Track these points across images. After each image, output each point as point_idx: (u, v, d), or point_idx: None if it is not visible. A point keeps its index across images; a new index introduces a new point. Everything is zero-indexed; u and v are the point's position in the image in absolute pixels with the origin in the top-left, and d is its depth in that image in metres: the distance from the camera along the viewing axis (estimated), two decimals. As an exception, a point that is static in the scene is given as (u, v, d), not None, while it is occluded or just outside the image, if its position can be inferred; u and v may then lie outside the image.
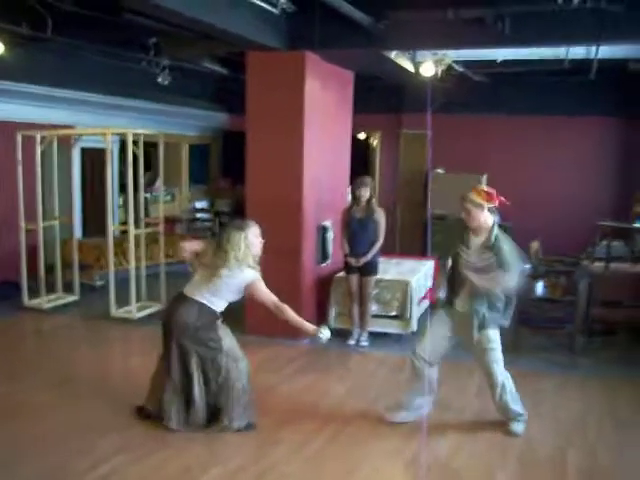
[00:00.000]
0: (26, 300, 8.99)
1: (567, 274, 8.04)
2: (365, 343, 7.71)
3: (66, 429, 5.24)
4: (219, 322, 5.27)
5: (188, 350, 5.11)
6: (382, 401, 5.90)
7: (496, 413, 5.48)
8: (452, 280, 5.43)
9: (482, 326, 5.21)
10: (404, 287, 7.76)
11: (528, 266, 7.82)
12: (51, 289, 9.25)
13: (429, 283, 8.85)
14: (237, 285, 5.13)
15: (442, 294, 5.48)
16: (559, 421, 5.62)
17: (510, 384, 5.35)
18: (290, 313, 5.19)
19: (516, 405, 5.35)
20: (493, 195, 5.23)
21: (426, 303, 8.73)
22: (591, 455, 5.00)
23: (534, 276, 7.86)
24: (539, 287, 7.74)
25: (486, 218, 5.19)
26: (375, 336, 7.80)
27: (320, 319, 8.05)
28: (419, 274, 8.27)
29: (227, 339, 5.27)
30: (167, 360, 5.21)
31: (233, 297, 5.23)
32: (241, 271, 5.08)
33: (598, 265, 7.86)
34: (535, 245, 9.56)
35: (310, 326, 5.27)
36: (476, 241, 5.21)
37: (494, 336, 5.30)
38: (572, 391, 6.32)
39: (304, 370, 6.66)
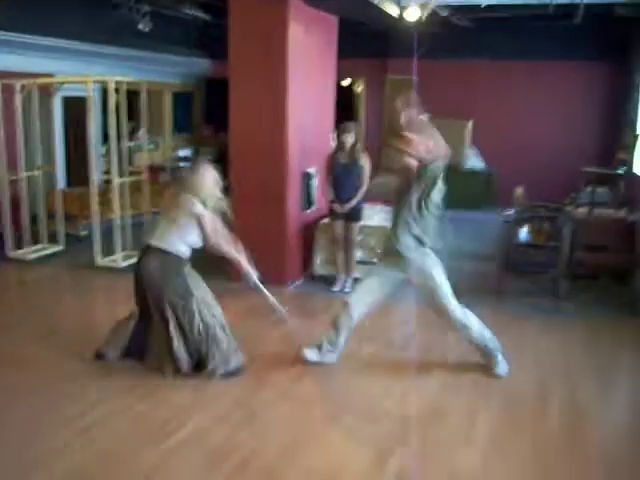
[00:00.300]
0: (10, 251, 8.96)
1: (551, 220, 8.08)
2: (350, 289, 7.75)
3: (51, 378, 5.27)
4: (187, 268, 5.24)
5: (160, 300, 5.10)
6: (366, 344, 5.96)
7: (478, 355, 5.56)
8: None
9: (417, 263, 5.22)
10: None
11: (511, 211, 7.88)
12: (35, 240, 9.21)
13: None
14: (189, 223, 5.08)
15: None
16: (542, 364, 5.70)
17: (472, 320, 5.38)
18: (234, 254, 5.37)
19: (487, 341, 5.40)
20: None
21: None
22: (572, 396, 5.09)
23: (518, 221, 7.90)
24: (523, 232, 7.78)
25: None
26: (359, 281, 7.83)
27: (305, 265, 8.10)
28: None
29: (197, 286, 5.26)
30: (145, 309, 5.24)
31: (193, 239, 5.16)
32: (191, 207, 5.04)
33: (582, 210, 7.91)
34: (519, 191, 9.57)
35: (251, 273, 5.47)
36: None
37: (434, 271, 5.29)
38: (555, 334, 6.40)
39: (289, 315, 6.69)
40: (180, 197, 5.09)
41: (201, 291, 5.28)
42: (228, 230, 5.37)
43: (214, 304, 5.33)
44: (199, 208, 5.05)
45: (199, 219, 5.06)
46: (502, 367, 5.40)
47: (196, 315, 5.15)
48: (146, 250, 5.20)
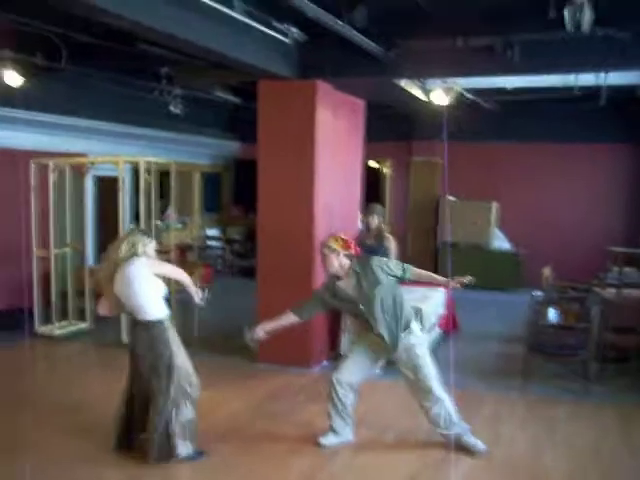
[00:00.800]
0: (38, 327, 9.01)
1: (579, 300, 8.00)
2: (377, 371, 7.66)
3: (72, 460, 5.22)
4: (169, 334, 5.12)
5: (144, 372, 5.06)
6: (392, 429, 5.87)
7: (507, 439, 5.46)
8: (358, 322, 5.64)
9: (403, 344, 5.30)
10: (417, 314, 7.71)
11: (539, 293, 7.82)
12: (63, 316, 9.27)
13: (441, 310, 8.82)
14: (143, 276, 4.95)
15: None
16: (573, 448, 5.56)
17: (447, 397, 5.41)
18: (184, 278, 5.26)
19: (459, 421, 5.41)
20: (349, 243, 5.42)
21: (437, 331, 8.72)
22: None
23: (546, 302, 7.83)
24: (551, 313, 7.70)
25: (341, 263, 5.31)
26: (387, 364, 7.75)
27: (331, 347, 8.05)
28: (430, 301, 8.24)
29: (180, 356, 5.15)
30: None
31: (160, 289, 5.09)
32: (134, 261, 4.95)
33: (610, 291, 7.84)
34: (547, 271, 9.53)
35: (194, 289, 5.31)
36: (347, 284, 5.31)
37: (421, 351, 5.38)
38: (586, 418, 6.26)
39: (315, 397, 6.63)
40: (120, 272, 4.96)
41: (183, 361, 5.17)
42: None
43: (195, 382, 5.20)
44: (141, 259, 4.97)
45: (150, 267, 5.00)
46: (478, 443, 5.37)
47: (172, 389, 5.03)
48: (131, 326, 5.25)
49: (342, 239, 5.38)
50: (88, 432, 5.70)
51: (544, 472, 5.11)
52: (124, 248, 4.96)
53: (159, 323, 5.04)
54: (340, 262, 5.29)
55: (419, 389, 5.37)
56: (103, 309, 5.30)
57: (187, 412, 5.08)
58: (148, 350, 5.01)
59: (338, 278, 5.37)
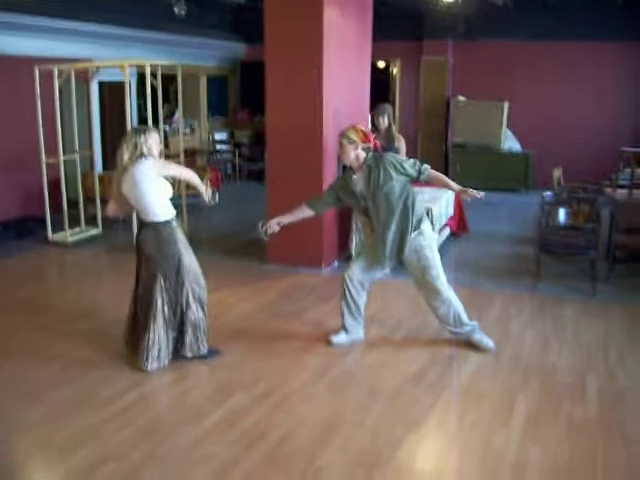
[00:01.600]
0: (50, 234, 9.08)
1: (590, 201, 7.98)
2: (387, 270, 7.72)
3: (90, 360, 5.34)
4: (177, 235, 5.12)
5: (154, 272, 5.07)
6: (402, 327, 5.96)
7: (516, 336, 5.55)
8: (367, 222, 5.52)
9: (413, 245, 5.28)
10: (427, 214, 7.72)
11: (549, 193, 7.80)
12: (74, 223, 9.33)
13: (450, 211, 8.83)
14: (149, 177, 4.92)
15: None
16: (580, 345, 5.64)
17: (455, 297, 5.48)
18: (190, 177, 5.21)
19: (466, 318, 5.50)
20: (369, 135, 5.28)
21: (447, 231, 8.74)
22: (611, 379, 5.03)
23: (556, 203, 7.81)
24: (561, 214, 7.69)
25: (358, 155, 5.21)
26: (397, 264, 7.82)
27: (342, 248, 8.10)
28: (440, 202, 8.23)
29: (188, 256, 5.18)
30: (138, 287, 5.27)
31: (160, 193, 5.03)
32: (140, 163, 4.90)
33: (621, 192, 7.81)
34: (557, 172, 9.48)
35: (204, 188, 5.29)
36: (359, 178, 5.24)
37: (430, 253, 5.36)
38: (593, 317, 6.33)
39: (326, 297, 6.71)
40: (127, 174, 4.93)
41: (191, 262, 5.20)
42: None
43: (203, 284, 5.24)
44: (149, 160, 4.94)
45: (159, 168, 4.99)
46: (487, 341, 5.47)
47: (185, 292, 5.12)
48: (139, 227, 5.24)
49: (362, 131, 5.26)
50: (100, 336, 5.81)
51: (551, 367, 5.20)
52: (128, 150, 4.93)
53: (166, 224, 5.05)
54: (357, 154, 5.19)
55: (427, 290, 5.41)
56: (111, 211, 5.32)
57: (197, 312, 5.16)
58: (156, 250, 5.03)
59: (353, 172, 5.30)
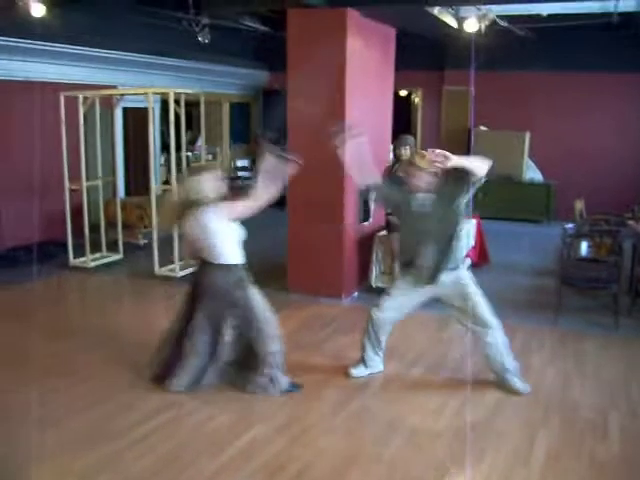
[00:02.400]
0: (71, 259, 9.13)
1: (612, 233, 7.91)
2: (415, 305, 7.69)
3: (111, 387, 5.35)
4: (246, 280, 5.22)
5: (220, 313, 5.12)
6: (422, 361, 5.91)
7: (537, 371, 5.49)
8: (407, 243, 5.46)
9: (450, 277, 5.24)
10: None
11: (571, 225, 7.75)
12: (96, 248, 9.37)
13: (471, 242, 8.79)
14: (217, 223, 5.00)
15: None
16: (602, 381, 5.58)
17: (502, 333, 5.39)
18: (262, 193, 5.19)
19: (509, 356, 5.39)
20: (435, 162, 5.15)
21: (468, 262, 8.70)
22: (633, 415, 4.97)
23: (578, 235, 7.76)
24: (583, 247, 7.64)
25: (428, 181, 5.19)
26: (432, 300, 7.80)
27: (362, 278, 8.08)
28: (461, 233, 8.19)
29: (256, 298, 5.26)
30: (188, 323, 5.24)
31: (231, 236, 5.15)
32: (203, 213, 4.96)
33: (643, 224, 7.74)
34: (579, 204, 9.43)
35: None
36: (423, 197, 5.22)
37: (469, 285, 5.33)
38: (615, 352, 6.26)
39: (346, 329, 6.69)
40: (194, 218, 5.00)
41: (260, 303, 5.27)
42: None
43: (272, 320, 5.30)
44: (217, 207, 5.00)
45: (228, 210, 5.04)
46: (521, 385, 5.35)
47: (254, 331, 5.16)
48: (204, 265, 5.17)
49: (426, 155, 5.21)
50: (121, 362, 5.82)
51: (572, 404, 5.14)
52: (182, 193, 5.04)
53: (237, 266, 5.13)
54: (427, 180, 5.18)
55: (471, 316, 5.29)
56: (187, 253, 5.35)
57: (267, 347, 5.18)
58: (225, 292, 5.07)
59: (410, 188, 5.29)
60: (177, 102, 8.57)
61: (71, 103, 8.81)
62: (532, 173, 13.12)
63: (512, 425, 4.80)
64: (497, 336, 5.32)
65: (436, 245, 5.17)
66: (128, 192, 11.59)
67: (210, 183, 5.03)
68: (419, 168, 5.17)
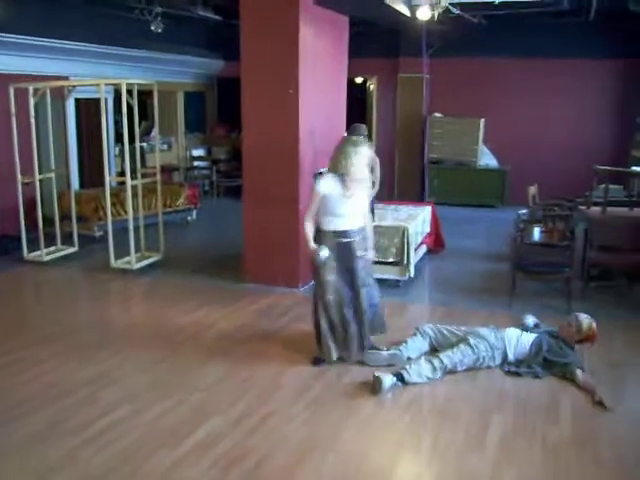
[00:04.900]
0: (26, 253, 9.00)
1: (564, 219, 8.04)
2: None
3: (68, 382, 5.30)
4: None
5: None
6: (380, 345, 5.94)
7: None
8: None
9: None
10: (401, 233, 7.77)
11: (525, 211, 7.86)
12: (50, 242, 9.24)
13: (427, 229, 8.87)
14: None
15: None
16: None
17: None
18: (306, 228, 5.48)
19: None
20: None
21: (424, 249, 8.78)
22: (586, 398, 5.07)
23: (531, 221, 7.87)
24: (536, 232, 7.75)
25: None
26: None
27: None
28: (417, 220, 8.27)
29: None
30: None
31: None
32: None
33: (595, 209, 7.87)
34: (532, 189, 9.56)
35: (312, 244, 5.42)
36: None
37: None
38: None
39: (302, 317, 6.70)
40: None
41: None
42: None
43: None
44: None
45: None
46: None
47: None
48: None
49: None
50: (79, 356, 5.79)
51: (527, 389, 5.22)
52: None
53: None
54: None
55: None
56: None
57: None
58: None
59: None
60: (130, 92, 8.48)
61: (21, 94, 8.66)
62: (487, 159, 13.26)
63: (466, 410, 4.86)
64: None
65: None
66: (83, 184, 11.44)
67: None
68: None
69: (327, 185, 5.35)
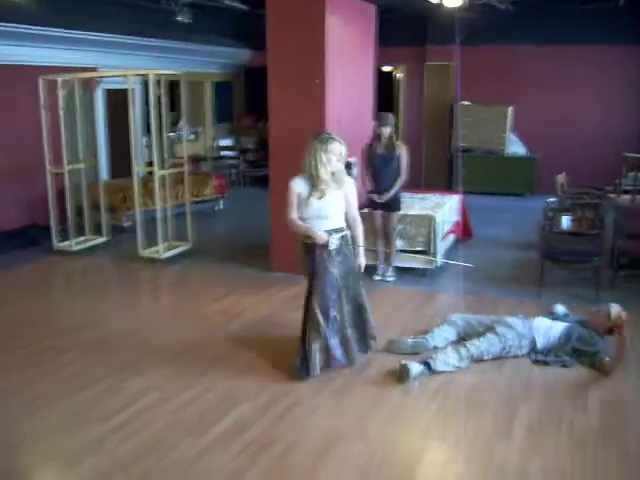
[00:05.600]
0: (55, 243, 9.11)
1: (593, 207, 7.96)
2: (391, 278, 7.75)
3: (96, 371, 5.35)
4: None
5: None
6: (408, 334, 5.93)
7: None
8: None
9: None
10: (428, 222, 7.75)
11: (553, 199, 7.79)
12: (79, 232, 9.35)
13: (455, 217, 8.83)
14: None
15: None
16: (583, 354, 5.64)
17: None
18: (295, 223, 5.23)
19: None
20: None
21: (452, 238, 8.75)
22: (612, 388, 5.05)
23: (560, 209, 7.80)
24: (565, 220, 7.68)
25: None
26: (401, 271, 7.83)
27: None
28: (444, 208, 8.25)
29: None
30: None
31: None
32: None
33: (625, 197, 7.79)
34: (561, 178, 9.47)
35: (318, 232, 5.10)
36: None
37: None
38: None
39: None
40: None
41: None
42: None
43: None
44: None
45: None
46: None
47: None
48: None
49: None
50: (107, 346, 5.85)
51: (555, 377, 5.20)
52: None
53: None
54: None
55: None
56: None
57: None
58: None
59: None
60: (158, 83, 8.52)
61: (51, 86, 8.75)
62: (516, 147, 13.16)
63: (494, 400, 4.85)
64: None
65: None
66: (113, 174, 11.53)
67: None
68: None
69: (298, 185, 5.17)
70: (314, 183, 5.08)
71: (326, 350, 5.13)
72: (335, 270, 5.11)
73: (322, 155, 5.04)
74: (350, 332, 5.23)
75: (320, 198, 5.08)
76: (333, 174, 5.10)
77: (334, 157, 5.08)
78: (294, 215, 5.18)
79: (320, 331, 5.07)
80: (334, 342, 5.13)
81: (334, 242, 5.09)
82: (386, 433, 4.41)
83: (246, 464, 4.00)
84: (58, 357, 5.63)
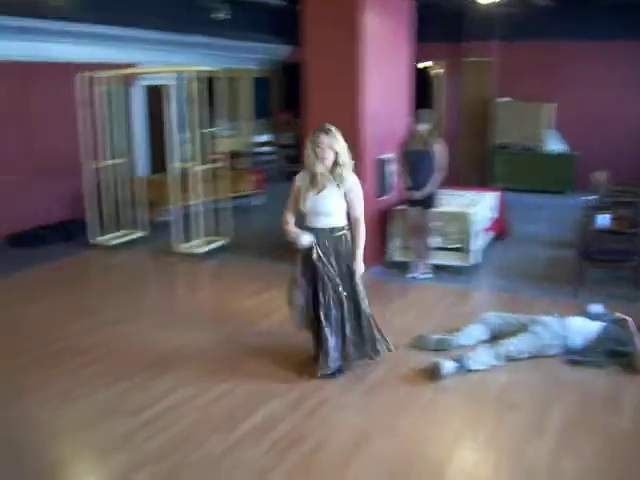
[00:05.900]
0: (93, 237, 9.23)
1: (633, 205, 7.83)
2: (426, 275, 7.71)
3: (132, 364, 5.42)
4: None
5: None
6: (440, 332, 5.89)
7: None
8: None
9: None
10: (464, 219, 7.71)
11: (592, 197, 7.68)
12: (118, 226, 9.46)
13: (493, 214, 8.76)
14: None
15: None
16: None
17: None
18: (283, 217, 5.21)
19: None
20: None
21: (489, 235, 8.67)
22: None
23: (599, 207, 7.68)
24: (605, 219, 7.55)
25: None
26: (436, 268, 7.79)
27: (380, 252, 8.08)
28: (480, 206, 8.18)
29: None
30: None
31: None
32: None
33: (666, 196, 7.66)
34: (600, 175, 9.32)
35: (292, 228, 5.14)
36: None
37: None
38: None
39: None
40: None
41: None
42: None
43: None
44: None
45: None
46: None
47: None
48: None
49: None
50: (142, 340, 5.91)
51: (589, 381, 5.14)
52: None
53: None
54: None
55: None
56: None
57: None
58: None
59: None
60: (197, 79, 8.57)
61: (90, 83, 8.85)
62: (555, 144, 12.99)
63: (527, 400, 4.81)
64: None
65: None
66: (154, 170, 11.63)
67: None
68: None
69: (300, 178, 5.16)
70: (312, 177, 5.05)
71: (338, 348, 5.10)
72: (308, 274, 5.08)
73: (311, 148, 4.97)
74: (345, 336, 5.10)
75: (317, 193, 5.01)
76: (336, 169, 4.99)
77: (327, 150, 4.93)
78: (289, 211, 5.21)
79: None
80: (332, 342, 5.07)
81: (305, 239, 5.02)
82: (417, 431, 4.41)
83: (275, 461, 4.01)
84: (91, 351, 5.68)
